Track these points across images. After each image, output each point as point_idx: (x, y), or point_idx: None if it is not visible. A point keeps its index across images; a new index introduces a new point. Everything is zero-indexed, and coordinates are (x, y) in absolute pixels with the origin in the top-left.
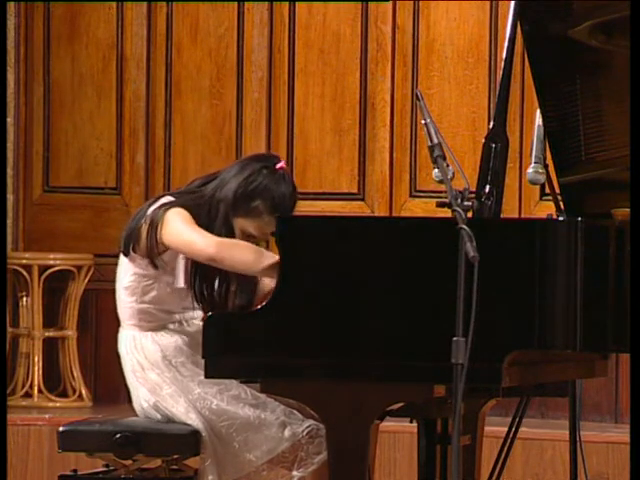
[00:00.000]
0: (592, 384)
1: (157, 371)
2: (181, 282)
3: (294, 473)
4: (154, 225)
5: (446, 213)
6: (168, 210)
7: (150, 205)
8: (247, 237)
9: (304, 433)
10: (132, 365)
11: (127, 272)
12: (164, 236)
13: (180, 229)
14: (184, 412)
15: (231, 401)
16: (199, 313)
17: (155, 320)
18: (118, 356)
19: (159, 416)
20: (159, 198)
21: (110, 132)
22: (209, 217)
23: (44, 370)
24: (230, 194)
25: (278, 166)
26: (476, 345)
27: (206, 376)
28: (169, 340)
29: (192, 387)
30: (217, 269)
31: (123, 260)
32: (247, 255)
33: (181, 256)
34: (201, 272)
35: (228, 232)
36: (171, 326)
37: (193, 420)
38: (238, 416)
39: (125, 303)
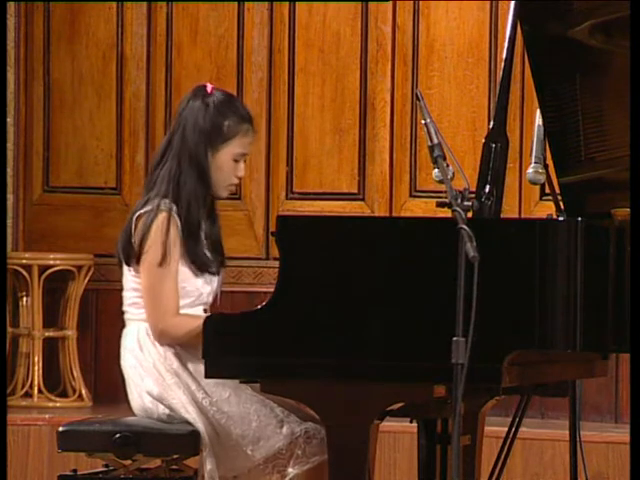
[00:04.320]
0: (592, 384)
1: (165, 360)
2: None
3: (289, 470)
4: (138, 241)
5: (446, 213)
6: (149, 235)
7: (138, 209)
8: (239, 159)
9: (302, 432)
10: (139, 357)
11: (133, 275)
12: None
13: (146, 284)
14: (182, 405)
15: (232, 396)
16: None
17: None
18: (118, 355)
19: (159, 410)
20: (145, 201)
21: (110, 132)
22: (179, 175)
23: (44, 370)
24: (194, 137)
25: (209, 89)
26: (476, 345)
27: (206, 376)
28: None
29: (195, 378)
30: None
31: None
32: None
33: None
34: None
35: (199, 173)
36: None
37: (190, 413)
38: (238, 410)
39: (136, 298)
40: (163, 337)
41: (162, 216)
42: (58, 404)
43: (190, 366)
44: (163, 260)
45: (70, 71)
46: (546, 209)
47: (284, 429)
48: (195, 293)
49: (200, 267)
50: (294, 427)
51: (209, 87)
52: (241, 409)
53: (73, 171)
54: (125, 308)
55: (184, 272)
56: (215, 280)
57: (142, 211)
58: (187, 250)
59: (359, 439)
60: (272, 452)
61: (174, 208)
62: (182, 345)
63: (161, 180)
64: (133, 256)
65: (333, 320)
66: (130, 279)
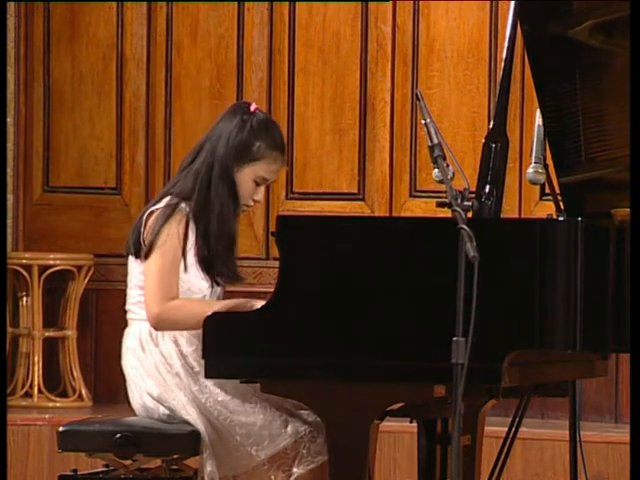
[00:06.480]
0: (592, 384)
1: (167, 361)
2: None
3: (294, 470)
4: (148, 232)
5: (446, 213)
6: (163, 228)
7: (151, 206)
8: (260, 183)
9: (306, 432)
10: (141, 357)
11: (140, 273)
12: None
13: (153, 268)
14: (182, 406)
15: (235, 397)
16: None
17: None
18: (119, 354)
19: (159, 411)
20: (161, 199)
21: (110, 132)
22: (207, 183)
23: (44, 370)
24: (225, 150)
25: (253, 109)
26: (476, 345)
27: (206, 376)
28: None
29: (197, 379)
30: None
31: (132, 259)
32: (195, 314)
33: (191, 251)
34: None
35: (229, 186)
36: None
37: (191, 414)
38: (241, 410)
39: (140, 296)
40: (160, 321)
41: (179, 216)
42: (58, 404)
43: (195, 366)
44: (174, 252)
45: (70, 71)
46: (546, 209)
47: (289, 428)
48: (199, 295)
49: (215, 280)
50: (298, 426)
51: (253, 106)
52: (246, 408)
53: (73, 171)
54: (128, 307)
55: (194, 272)
56: (219, 289)
57: (154, 208)
58: (212, 258)
59: (359, 439)
60: (277, 451)
61: (192, 215)
62: (181, 333)
63: (186, 182)
64: (142, 251)
65: (333, 320)
66: (136, 276)
